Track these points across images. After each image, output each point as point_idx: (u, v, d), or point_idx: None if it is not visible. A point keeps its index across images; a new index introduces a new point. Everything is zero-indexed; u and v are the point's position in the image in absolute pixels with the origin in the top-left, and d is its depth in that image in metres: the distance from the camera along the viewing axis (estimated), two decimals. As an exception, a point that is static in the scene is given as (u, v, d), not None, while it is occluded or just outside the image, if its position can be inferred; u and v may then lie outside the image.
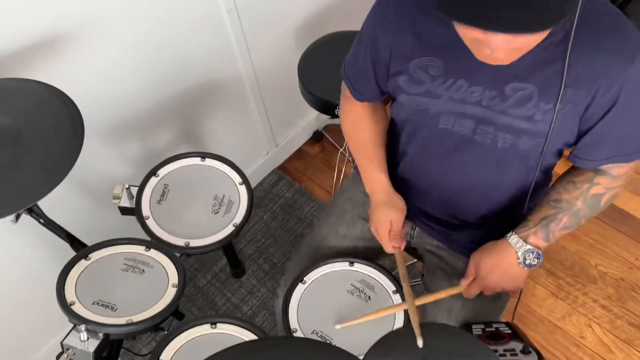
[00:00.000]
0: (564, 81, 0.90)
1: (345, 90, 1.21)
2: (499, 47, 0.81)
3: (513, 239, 1.07)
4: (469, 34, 0.83)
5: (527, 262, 1.06)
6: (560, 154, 1.07)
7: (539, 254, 1.05)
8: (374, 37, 1.05)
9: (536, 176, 1.07)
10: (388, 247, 1.20)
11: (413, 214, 1.26)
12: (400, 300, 1.16)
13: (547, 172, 1.14)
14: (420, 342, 0.89)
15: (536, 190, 1.11)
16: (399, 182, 1.22)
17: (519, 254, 1.06)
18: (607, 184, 1.02)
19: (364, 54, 1.09)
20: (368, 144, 1.21)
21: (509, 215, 1.15)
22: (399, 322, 1.12)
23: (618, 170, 1.01)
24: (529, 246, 1.05)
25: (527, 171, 1.08)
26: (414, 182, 1.21)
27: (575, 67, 0.89)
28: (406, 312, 1.13)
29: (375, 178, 1.21)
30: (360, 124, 1.22)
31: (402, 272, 1.15)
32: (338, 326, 1.10)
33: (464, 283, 1.12)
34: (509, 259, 1.07)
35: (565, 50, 0.88)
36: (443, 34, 0.95)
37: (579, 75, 0.90)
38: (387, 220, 1.17)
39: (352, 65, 1.14)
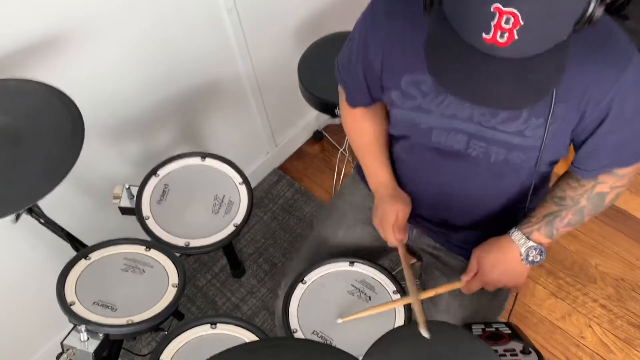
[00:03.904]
0: (554, 97, 0.89)
1: (342, 93, 1.21)
2: None
3: (516, 235, 1.07)
4: None
5: (530, 258, 1.06)
6: (555, 162, 1.07)
7: (541, 251, 1.06)
8: (364, 49, 1.04)
9: (533, 182, 1.07)
10: (391, 239, 1.19)
11: (411, 216, 1.26)
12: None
13: (545, 175, 1.14)
14: (425, 333, 0.88)
15: (535, 193, 1.11)
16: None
17: (522, 250, 1.06)
18: (612, 182, 1.02)
19: (356, 61, 1.08)
20: (370, 144, 1.22)
21: (507, 217, 1.15)
22: (400, 321, 1.12)
23: (623, 170, 1.01)
24: (532, 243, 1.05)
25: (522, 179, 1.08)
26: (410, 187, 1.21)
27: (565, 82, 0.88)
28: (407, 309, 1.13)
29: (380, 176, 1.22)
30: (361, 125, 1.22)
31: (405, 264, 1.15)
32: (339, 320, 1.10)
33: (464, 278, 1.12)
34: (511, 255, 1.07)
35: None
36: None
37: (569, 91, 0.89)
38: (394, 211, 1.17)
39: (346, 69, 1.13)
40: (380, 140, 1.22)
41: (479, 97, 0.75)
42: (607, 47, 0.86)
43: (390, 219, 1.17)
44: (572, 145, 1.01)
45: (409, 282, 1.12)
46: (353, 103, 1.19)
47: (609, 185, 1.02)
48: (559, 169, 1.11)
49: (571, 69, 0.86)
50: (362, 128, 1.22)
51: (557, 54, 0.73)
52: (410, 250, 1.40)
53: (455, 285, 1.13)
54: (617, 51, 0.87)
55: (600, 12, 0.72)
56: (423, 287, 1.28)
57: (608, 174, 1.01)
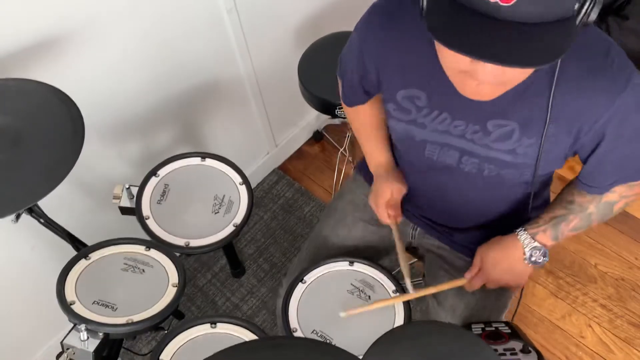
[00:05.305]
0: (548, 118, 0.89)
1: (341, 85, 1.22)
2: (487, 80, 0.79)
3: (522, 235, 1.07)
4: (456, 66, 0.81)
5: (533, 259, 1.06)
6: (552, 172, 1.08)
7: (545, 252, 1.06)
8: (361, 58, 1.04)
9: (532, 191, 1.07)
10: (384, 216, 1.20)
11: (414, 215, 1.26)
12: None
13: (544, 181, 1.15)
14: (409, 285, 1.03)
15: (535, 197, 1.11)
16: None
17: (526, 250, 1.06)
18: (622, 192, 1.01)
19: (352, 66, 1.09)
20: (370, 127, 1.23)
21: (510, 219, 1.16)
22: (399, 320, 1.12)
23: (632, 182, 1.00)
24: (536, 243, 1.05)
25: (519, 190, 1.08)
26: (411, 192, 1.22)
27: (558, 105, 0.87)
28: (406, 308, 1.13)
29: (380, 158, 1.24)
30: (361, 113, 1.23)
31: (398, 241, 1.18)
32: (342, 314, 1.10)
33: (467, 276, 1.13)
34: (515, 255, 1.08)
35: (549, 88, 0.86)
36: (427, 68, 0.93)
37: (561, 113, 0.88)
38: (388, 189, 1.19)
39: (344, 71, 1.14)
40: (380, 123, 1.22)
41: (479, 52, 0.71)
42: (602, 71, 0.84)
43: (385, 196, 1.19)
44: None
45: (401, 254, 1.17)
46: (349, 103, 1.20)
47: (618, 194, 1.01)
48: (562, 171, 1.11)
49: (563, 92, 0.86)
50: (362, 115, 1.23)
51: (560, 29, 0.71)
52: (413, 250, 1.40)
53: (458, 283, 1.14)
54: (612, 79, 0.84)
55: (595, 14, 0.71)
56: (426, 286, 1.28)
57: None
